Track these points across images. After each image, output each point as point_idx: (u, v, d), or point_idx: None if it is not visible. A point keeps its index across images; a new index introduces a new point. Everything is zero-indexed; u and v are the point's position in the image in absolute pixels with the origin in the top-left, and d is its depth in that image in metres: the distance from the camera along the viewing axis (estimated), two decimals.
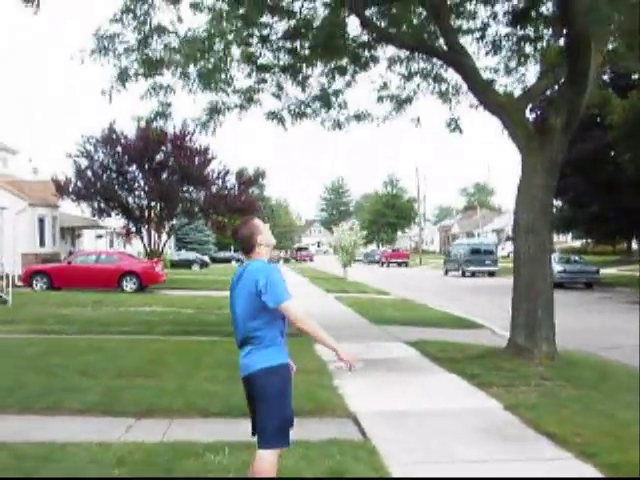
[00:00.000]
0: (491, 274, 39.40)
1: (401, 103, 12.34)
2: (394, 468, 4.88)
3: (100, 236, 42.62)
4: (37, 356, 9.48)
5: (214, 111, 11.38)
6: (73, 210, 34.31)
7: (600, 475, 4.81)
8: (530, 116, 12.55)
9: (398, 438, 5.76)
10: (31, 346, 10.48)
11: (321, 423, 6.23)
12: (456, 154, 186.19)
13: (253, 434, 4.10)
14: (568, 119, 9.39)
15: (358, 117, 12.54)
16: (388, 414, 6.58)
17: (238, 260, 74.70)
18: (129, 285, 24.85)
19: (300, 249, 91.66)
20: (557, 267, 25.91)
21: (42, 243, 32.74)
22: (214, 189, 34.04)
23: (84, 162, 32.24)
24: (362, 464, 4.93)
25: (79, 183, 31.68)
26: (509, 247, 57.34)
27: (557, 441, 5.59)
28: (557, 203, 35.56)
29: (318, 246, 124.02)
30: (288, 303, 3.91)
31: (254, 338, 3.98)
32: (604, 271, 33.32)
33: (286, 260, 78.53)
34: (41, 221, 32.76)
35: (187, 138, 32.19)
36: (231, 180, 34.54)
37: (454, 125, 12.04)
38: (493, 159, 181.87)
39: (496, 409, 6.79)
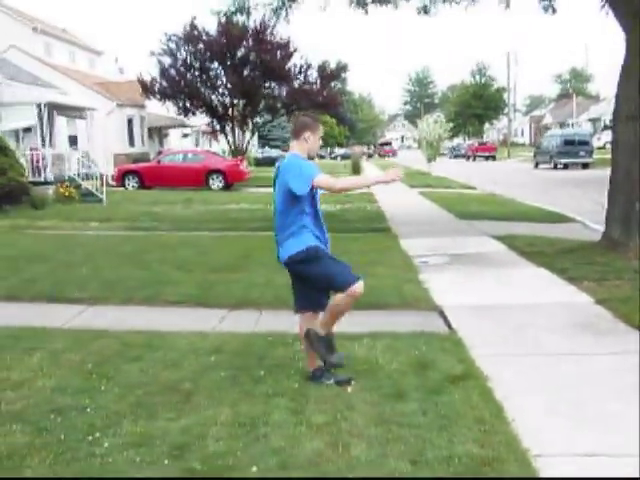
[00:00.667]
0: (585, 166, 37.63)
1: None
2: (480, 360, 4.92)
3: (186, 135, 43.38)
4: (134, 252, 9.98)
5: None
6: (159, 110, 34.89)
7: None
8: None
9: (484, 331, 5.78)
10: (127, 242, 11.03)
11: (407, 316, 6.31)
12: (550, 37, 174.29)
13: (295, 312, 4.70)
14: None
15: None
16: (474, 307, 6.58)
17: (321, 156, 74.82)
18: (216, 183, 25.45)
19: (383, 144, 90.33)
20: None
21: (132, 143, 33.74)
22: (296, 84, 33.61)
23: (168, 61, 32.41)
24: (448, 355, 5.00)
25: (164, 82, 32.01)
26: (606, 137, 54.38)
27: None
28: None
29: (402, 141, 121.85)
30: (318, 178, 4.27)
31: (286, 228, 4.42)
32: None
33: (369, 155, 77.85)
34: (130, 121, 33.59)
35: (268, 31, 31.55)
36: (313, 74, 33.92)
37: (548, 4, 11.16)
38: (592, 41, 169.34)
39: (587, 303, 6.66)
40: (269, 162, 50.65)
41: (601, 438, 3.69)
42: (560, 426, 3.84)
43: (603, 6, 9.34)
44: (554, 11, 11.20)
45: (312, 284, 4.46)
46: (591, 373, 4.72)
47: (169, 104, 32.77)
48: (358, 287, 4.37)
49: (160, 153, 32.27)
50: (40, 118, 21.32)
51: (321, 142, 4.65)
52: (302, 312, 4.65)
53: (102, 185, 19.85)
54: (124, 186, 25.36)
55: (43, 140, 21.25)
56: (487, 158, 59.00)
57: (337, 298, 4.38)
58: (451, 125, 39.62)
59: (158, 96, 32.04)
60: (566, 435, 3.73)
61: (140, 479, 3.27)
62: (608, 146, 36.87)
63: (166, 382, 4.51)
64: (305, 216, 4.39)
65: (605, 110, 62.78)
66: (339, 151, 77.30)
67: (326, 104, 34.54)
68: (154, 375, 4.65)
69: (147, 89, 31.70)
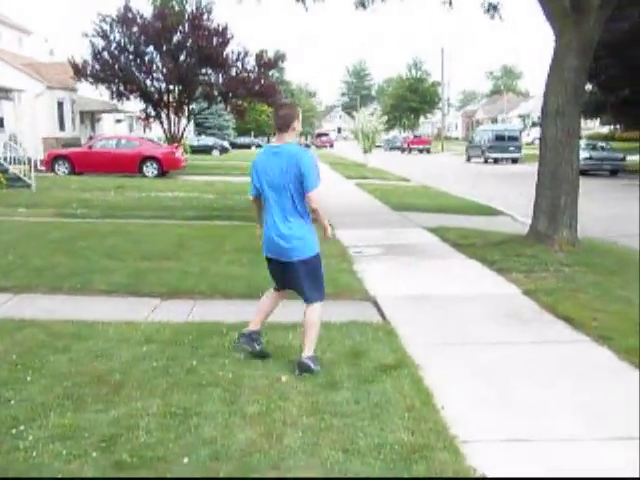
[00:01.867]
0: (514, 161, 38.79)
1: None
2: (412, 349, 5.01)
3: (119, 120, 42.30)
4: (63, 239, 9.68)
5: None
6: (92, 94, 33.86)
7: (617, 360, 4.90)
8: None
9: (417, 320, 5.89)
10: (57, 229, 10.69)
11: (341, 306, 6.35)
12: (483, 35, 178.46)
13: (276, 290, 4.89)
14: None
15: None
16: (407, 298, 6.69)
17: (258, 146, 74.36)
18: (150, 170, 24.94)
19: (320, 135, 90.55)
20: (583, 154, 25.33)
21: (62, 127, 32.66)
22: (233, 72, 33.26)
23: (101, 43, 31.47)
24: (381, 344, 5.07)
25: (96, 65, 31.09)
26: (534, 133, 56.18)
27: (574, 325, 5.67)
28: (587, 87, 34.27)
29: (339, 132, 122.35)
30: (315, 191, 4.38)
31: (296, 216, 4.45)
32: (630, 158, 32.64)
33: (306, 146, 77.93)
34: (60, 104, 32.50)
35: (205, 17, 31.05)
36: (250, 62, 33.63)
37: (493, 10, 11.38)
38: (523, 40, 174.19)
39: (515, 294, 6.88)
40: (205, 150, 50.07)
41: (526, 423, 3.82)
42: (487, 413, 3.96)
43: (539, 5, 9.58)
44: (495, 13, 11.44)
45: (299, 283, 4.60)
46: (517, 361, 4.88)
47: (102, 88, 31.86)
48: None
49: (92, 138, 31.37)
50: None
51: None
52: (281, 290, 4.83)
53: (30, 170, 19.12)
54: (54, 171, 24.54)
55: None
56: (422, 151, 60.02)
57: (315, 316, 4.60)
58: (387, 118, 40.00)
59: (90, 79, 31.10)
60: (493, 421, 3.85)
61: (142, 479, 3.19)
62: (537, 142, 38.19)
63: (95, 373, 4.40)
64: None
65: (534, 107, 64.78)
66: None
67: (263, 93, 34.29)
68: (83, 366, 4.53)
69: (79, 71, 30.71)
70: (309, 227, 4.53)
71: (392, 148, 67.64)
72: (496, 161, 39.10)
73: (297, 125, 4.55)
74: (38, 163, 23.14)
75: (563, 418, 3.89)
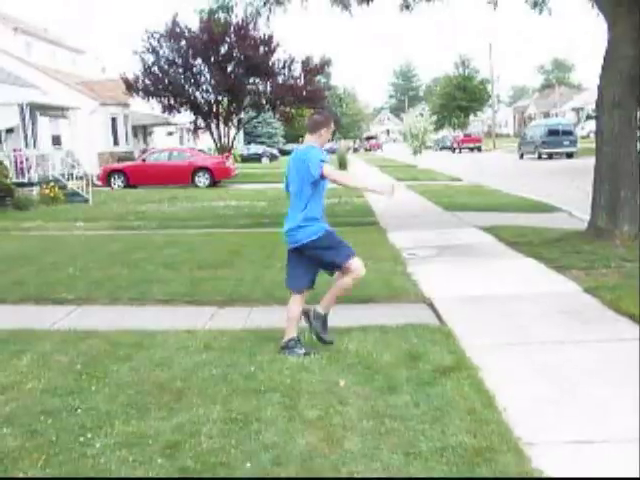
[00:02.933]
0: (569, 155, 37.85)
1: None
2: (470, 350, 4.93)
3: (171, 133, 43.14)
4: (121, 251, 9.93)
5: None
6: (143, 108, 34.69)
7: None
8: None
9: (474, 321, 5.80)
10: (114, 242, 10.97)
11: (397, 308, 6.32)
12: (533, 29, 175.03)
13: (297, 292, 5.24)
14: None
15: None
16: (464, 299, 6.60)
17: None
18: (202, 180, 25.35)
19: (369, 138, 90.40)
20: None
21: (116, 142, 33.53)
22: (280, 79, 33.54)
23: (150, 58, 32.23)
24: (438, 347, 5.01)
25: (147, 80, 31.83)
26: (589, 126, 54.70)
27: (638, 322, 5.49)
28: None
29: (388, 134, 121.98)
30: (327, 166, 4.80)
31: (302, 211, 4.99)
32: None
33: (355, 149, 77.87)
34: (113, 120, 33.38)
35: (250, 27, 31.42)
36: (297, 69, 33.86)
37: (540, 4, 11.15)
38: (574, 32, 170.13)
39: (575, 292, 6.70)
40: (255, 158, 50.65)
41: (592, 425, 3.71)
42: (551, 414, 3.86)
43: None
44: (544, 6, 11.20)
45: (319, 264, 5.09)
46: (580, 361, 4.75)
47: (153, 102, 32.59)
48: (361, 269, 4.97)
49: (145, 151, 32.10)
50: (22, 119, 21.11)
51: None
52: (302, 292, 5.16)
53: (87, 185, 19.72)
54: (109, 186, 25.22)
55: (26, 141, 21.06)
56: (473, 149, 59.21)
57: (343, 281, 4.98)
58: (436, 118, 39.65)
59: (141, 94, 31.86)
60: (557, 423, 3.75)
61: (141, 479, 3.25)
62: (592, 135, 37.08)
63: (157, 381, 4.48)
64: (320, 202, 5.00)
65: (588, 99, 63.11)
66: (325, 145, 77.21)
67: (311, 98, 34.47)
68: (144, 374, 4.62)
69: (130, 87, 31.50)
70: (319, 221, 5.04)
71: (442, 148, 66.96)
72: (550, 156, 38.24)
73: (325, 133, 5.00)
74: (94, 178, 23.84)
75: (629, 418, 3.76)
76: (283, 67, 33.48)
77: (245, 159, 48.47)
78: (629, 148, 8.88)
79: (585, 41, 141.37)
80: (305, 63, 33.92)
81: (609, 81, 8.99)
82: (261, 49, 32.31)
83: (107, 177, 25.58)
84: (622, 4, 8.85)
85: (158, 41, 32.05)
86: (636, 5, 8.70)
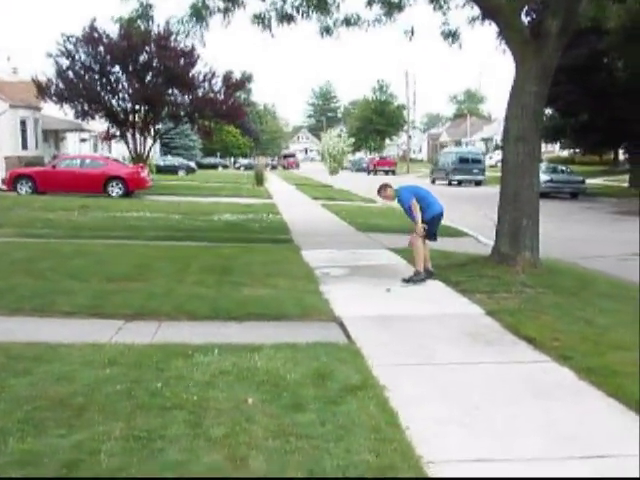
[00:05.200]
0: (478, 183, 39.44)
1: (391, 7, 11.80)
2: (377, 369, 5.04)
3: (84, 140, 41.91)
4: (25, 260, 9.51)
5: (198, 17, 10.67)
6: (56, 112, 33.52)
7: (577, 380, 4.99)
8: (526, 19, 12.02)
9: (382, 341, 5.92)
10: (19, 250, 10.50)
11: (307, 327, 6.37)
12: (447, 60, 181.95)
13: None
14: (564, 23, 9.15)
15: (348, 22, 12.02)
16: (373, 318, 6.73)
17: (224, 166, 74.27)
18: (115, 190, 24.66)
19: (287, 156, 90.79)
20: (544, 176, 25.93)
21: (25, 146, 32.22)
22: (200, 92, 33.31)
23: (65, 62, 31.27)
24: (346, 365, 5.08)
25: (61, 84, 30.84)
26: (497, 156, 57.15)
27: (536, 345, 5.77)
28: (547, 111, 35.14)
29: (305, 153, 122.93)
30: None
31: None
32: (590, 181, 33.48)
33: (273, 167, 78.03)
34: (23, 123, 32.09)
35: (172, 38, 31.06)
36: (217, 83, 33.79)
37: (452, 37, 11.63)
38: (485, 66, 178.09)
39: (478, 314, 6.97)
40: (172, 170, 49.76)
41: (492, 444, 3.87)
42: (453, 433, 4.00)
43: (499, 35, 9.84)
44: (455, 40, 11.68)
45: None
46: (481, 381, 4.94)
47: (66, 107, 31.55)
48: None
49: (56, 157, 30.97)
50: None
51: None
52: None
53: None
54: (16, 191, 24.11)
55: None
56: (387, 172, 60.48)
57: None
58: (353, 140, 40.37)
59: (54, 98, 30.82)
60: (458, 441, 3.89)
61: (139, 479, 3.11)
62: (499, 165, 38.81)
63: (57, 396, 4.31)
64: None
65: (497, 130, 66.02)
66: (243, 161, 77.04)
67: (230, 114, 34.45)
68: (44, 389, 4.44)
69: (42, 90, 30.42)
70: None
71: (358, 170, 68.05)
72: (460, 183, 39.71)
73: None
74: (0, 182, 22.75)
75: (527, 438, 3.95)
76: (203, 80, 33.29)
77: (161, 170, 47.49)
78: (531, 179, 9.36)
79: (496, 74, 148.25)
80: (226, 77, 33.87)
81: (514, 115, 9.48)
82: (182, 61, 32.01)
83: (13, 182, 24.42)
84: (528, 44, 9.37)
85: (74, 45, 31.14)
86: (542, 44, 9.23)
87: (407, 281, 8.50)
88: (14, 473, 3.30)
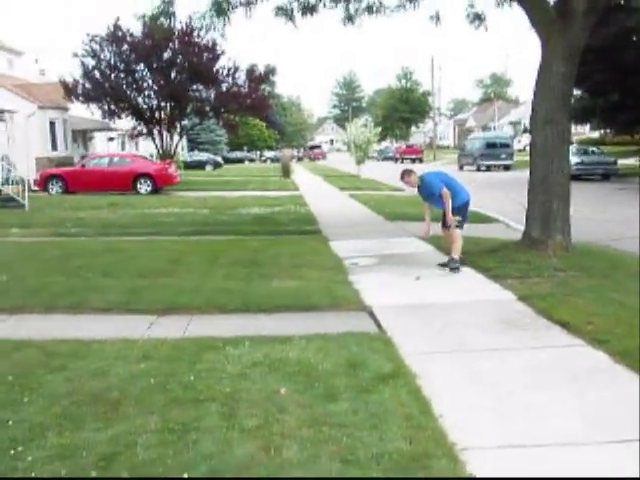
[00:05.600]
0: (507, 168, 38.97)
1: None
2: (409, 358, 5.02)
3: (112, 138, 42.34)
4: (58, 258, 9.68)
5: (220, 11, 10.68)
6: (83, 112, 33.91)
7: (612, 363, 4.92)
8: None
9: (413, 329, 5.90)
10: (51, 248, 10.68)
11: (338, 317, 6.38)
12: (472, 44, 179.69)
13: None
14: (591, 1, 8.95)
15: (370, 9, 11.94)
16: (403, 307, 6.71)
17: (251, 160, 74.56)
18: (143, 187, 24.94)
19: (313, 147, 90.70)
20: (574, 159, 25.49)
21: (54, 147, 32.65)
22: (224, 87, 33.41)
23: (91, 62, 31.59)
24: (378, 355, 5.07)
25: (87, 84, 31.18)
26: (526, 140, 56.37)
27: (569, 329, 5.70)
28: (576, 92, 34.52)
29: (331, 144, 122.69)
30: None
31: None
32: (622, 162, 32.84)
33: (299, 158, 78.06)
34: (52, 124, 32.50)
35: (194, 34, 31.19)
36: (241, 77, 33.81)
37: (478, 20, 11.46)
38: (511, 49, 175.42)
39: (510, 300, 6.90)
40: (199, 166, 50.15)
41: (525, 430, 3.83)
42: (486, 420, 3.97)
43: (525, 14, 9.64)
44: (480, 23, 11.51)
45: None
46: (514, 367, 4.90)
47: (93, 107, 31.91)
48: None
49: (85, 157, 31.38)
50: None
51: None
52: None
53: (24, 190, 19.12)
54: (47, 191, 24.52)
55: None
56: (414, 160, 60.15)
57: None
58: (379, 128, 40.15)
59: (82, 98, 31.17)
60: (491, 428, 3.86)
61: (141, 479, 3.18)
62: (528, 148, 38.21)
63: (93, 391, 4.39)
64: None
65: (525, 113, 65.11)
66: (269, 154, 77.24)
67: (255, 107, 34.50)
68: (80, 385, 4.52)
69: (70, 91, 30.78)
70: None
71: (385, 158, 67.83)
72: (488, 168, 39.28)
73: None
74: (31, 183, 23.15)
75: (561, 422, 3.90)
76: (227, 75, 33.35)
77: (188, 166, 47.91)
78: (561, 162, 9.22)
79: (523, 56, 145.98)
80: (250, 71, 33.89)
81: (542, 97, 9.32)
82: (205, 56, 32.11)
83: (45, 182, 24.85)
84: (555, 22, 9.20)
85: (99, 45, 31.45)
86: (568, 23, 9.06)
87: (444, 265, 8.52)
88: (53, 466, 3.37)
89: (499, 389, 4.45)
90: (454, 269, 8.37)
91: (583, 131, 60.89)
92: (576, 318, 5.90)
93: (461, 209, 8.74)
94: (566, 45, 9.08)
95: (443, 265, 8.54)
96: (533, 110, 9.57)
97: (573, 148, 28.33)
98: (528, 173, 9.72)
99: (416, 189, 9.13)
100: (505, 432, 3.80)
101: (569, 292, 6.95)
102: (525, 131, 63.87)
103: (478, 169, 39.62)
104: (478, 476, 3.28)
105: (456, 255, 8.48)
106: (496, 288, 7.46)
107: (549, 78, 9.21)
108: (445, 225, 8.79)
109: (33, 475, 3.32)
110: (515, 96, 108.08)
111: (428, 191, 8.77)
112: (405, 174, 9.01)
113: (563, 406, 4.15)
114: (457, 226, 8.57)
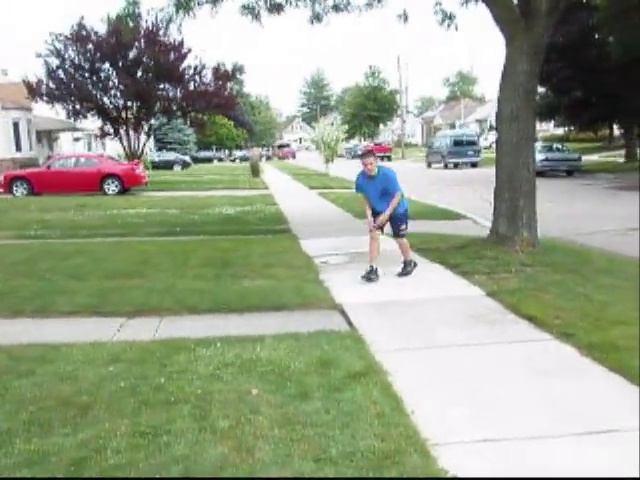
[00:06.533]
0: (474, 165, 39.41)
1: None
2: (380, 355, 5.05)
3: (78, 139, 41.77)
4: (24, 261, 9.51)
5: (181, 6, 10.62)
6: (48, 113, 33.39)
7: (579, 356, 5.01)
8: None
9: (383, 326, 5.93)
10: (17, 252, 10.49)
11: (309, 316, 6.38)
12: (439, 42, 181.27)
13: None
14: (553, 1, 9.09)
15: (336, 7, 11.96)
16: (373, 304, 6.74)
17: (220, 159, 74.12)
18: (111, 188, 24.65)
19: (281, 146, 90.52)
20: (539, 155, 25.88)
21: (18, 148, 32.11)
22: (191, 86, 33.18)
23: (55, 62, 31.10)
24: (349, 352, 5.09)
25: (51, 84, 30.73)
26: (492, 137, 57.04)
27: (537, 323, 5.79)
28: (540, 89, 35.03)
29: (300, 142, 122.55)
30: None
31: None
32: (586, 158, 33.44)
33: (268, 157, 77.86)
34: (15, 125, 31.96)
35: (160, 32, 30.92)
36: (208, 76, 33.64)
37: (448, 20, 11.51)
38: (477, 47, 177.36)
39: (478, 296, 6.98)
40: (166, 165, 49.69)
41: (495, 423, 3.88)
42: (457, 415, 4.01)
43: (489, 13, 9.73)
44: (451, 22, 11.55)
45: None
46: (484, 362, 4.95)
47: (58, 107, 31.44)
48: None
49: (50, 158, 30.87)
50: None
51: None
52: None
53: None
54: (12, 193, 24.08)
55: None
56: (382, 158, 60.32)
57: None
58: (347, 127, 40.26)
59: (46, 98, 30.70)
60: (463, 423, 3.90)
61: (141, 479, 3.14)
62: (494, 146, 38.62)
63: (61, 396, 4.32)
64: None
65: (490, 111, 65.90)
66: (238, 153, 76.89)
67: (222, 105, 34.35)
68: (48, 389, 4.45)
69: (33, 91, 30.29)
70: None
71: (354, 157, 67.91)
72: (456, 166, 39.66)
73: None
74: None
75: (531, 416, 3.96)
76: (194, 73, 33.15)
77: (156, 166, 47.42)
78: (526, 158, 9.34)
79: (488, 55, 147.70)
80: (216, 69, 33.71)
81: (507, 95, 9.45)
82: (171, 55, 31.86)
83: (9, 184, 24.39)
84: (518, 21, 9.32)
85: (63, 44, 30.98)
86: (532, 22, 9.19)
87: (404, 274, 8.12)
88: (21, 473, 3.31)
89: (469, 384, 4.50)
90: (411, 272, 8.15)
91: (547, 128, 61.80)
92: (544, 313, 5.99)
93: (405, 215, 8.26)
94: (530, 43, 9.21)
95: (404, 274, 8.13)
96: (499, 108, 9.69)
97: (538, 145, 28.77)
98: (495, 170, 9.83)
99: (363, 180, 8.07)
100: (476, 427, 3.84)
101: (537, 287, 7.05)
102: (491, 128, 64.65)
103: (446, 166, 39.99)
104: (450, 473, 3.31)
105: (409, 256, 8.26)
106: (464, 284, 7.54)
107: (514, 76, 9.34)
108: (380, 227, 8.13)
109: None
110: (481, 94, 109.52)
111: (383, 185, 7.93)
112: (371, 155, 8.04)
113: (532, 400, 4.21)
114: (403, 235, 8.18)
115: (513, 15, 9.46)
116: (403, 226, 8.16)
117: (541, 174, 22.87)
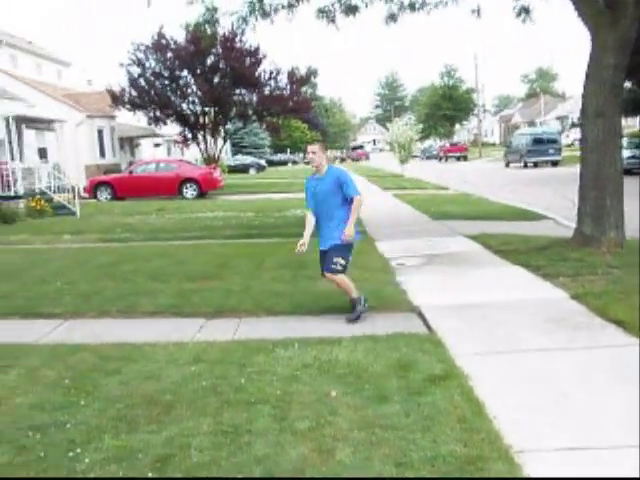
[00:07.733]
0: (554, 163, 38.17)
1: None
2: (460, 359, 4.94)
3: (158, 145, 43.09)
4: (108, 264, 9.87)
5: (253, 9, 10.75)
6: (130, 120, 34.64)
7: None
8: None
9: (463, 330, 5.81)
10: (102, 254, 10.91)
11: (387, 318, 6.33)
12: (516, 39, 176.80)
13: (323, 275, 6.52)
14: None
15: (412, 6, 11.85)
16: (452, 307, 6.61)
17: (294, 162, 74.92)
18: (189, 192, 25.31)
19: (355, 148, 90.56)
20: (626, 152, 24.76)
21: (102, 154, 33.40)
22: (266, 90, 33.65)
23: (136, 70, 32.23)
24: (428, 356, 5.01)
25: (133, 92, 31.84)
26: (574, 134, 55.23)
27: (626, 328, 5.53)
28: (626, 84, 33.61)
29: (374, 144, 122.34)
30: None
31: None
32: None
33: (342, 159, 78.04)
34: (100, 132, 33.27)
35: (237, 39, 31.52)
36: (283, 80, 34.01)
37: (525, 14, 11.23)
38: (557, 42, 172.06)
39: (562, 299, 6.74)
40: (242, 169, 50.60)
41: (582, 432, 3.73)
42: (541, 421, 3.87)
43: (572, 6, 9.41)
44: (527, 16, 11.26)
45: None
46: (569, 367, 4.77)
47: (139, 114, 32.60)
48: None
49: (132, 163, 32.00)
50: (8, 132, 20.99)
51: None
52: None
53: (74, 197, 19.62)
54: (96, 198, 25.11)
55: (12, 154, 20.92)
56: (459, 158, 59.52)
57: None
58: (422, 127, 39.86)
59: (128, 106, 31.84)
60: (547, 430, 3.76)
61: (141, 479, 3.21)
62: (576, 143, 37.32)
63: (146, 394, 4.45)
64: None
65: (572, 108, 63.78)
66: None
67: (297, 109, 34.67)
68: (134, 388, 4.59)
69: (116, 99, 31.47)
70: None
71: (428, 157, 67.29)
72: (536, 165, 38.53)
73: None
74: (81, 190, 23.72)
75: (618, 424, 3.78)
76: (269, 78, 33.61)
77: (232, 170, 48.40)
78: (613, 156, 8.97)
79: (569, 50, 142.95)
80: (291, 74, 34.06)
81: (592, 90, 9.09)
82: (247, 60, 32.42)
83: (94, 189, 25.47)
84: (604, 14, 8.96)
85: (144, 53, 32.07)
86: (618, 15, 8.81)
87: (354, 319, 6.25)
88: (110, 469, 3.42)
89: (554, 390, 4.34)
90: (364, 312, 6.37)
91: (634, 124, 59.17)
92: (632, 316, 5.71)
93: (351, 245, 6.43)
94: (616, 37, 8.84)
95: (353, 319, 6.26)
96: (583, 104, 9.34)
97: (624, 142, 27.57)
98: (577, 168, 9.49)
99: (311, 177, 6.58)
100: (562, 434, 3.70)
101: (625, 290, 6.74)
102: (573, 126, 62.52)
103: (525, 165, 38.90)
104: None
105: (355, 294, 6.39)
106: (548, 286, 7.29)
107: (599, 70, 8.98)
108: (329, 263, 6.36)
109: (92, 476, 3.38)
110: (562, 90, 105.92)
111: (334, 187, 6.24)
112: (320, 147, 6.41)
113: (620, 407, 4.02)
114: (341, 270, 6.33)
115: (597, 7, 9.10)
116: (352, 230, 6.29)
117: (628, 172, 21.89)
